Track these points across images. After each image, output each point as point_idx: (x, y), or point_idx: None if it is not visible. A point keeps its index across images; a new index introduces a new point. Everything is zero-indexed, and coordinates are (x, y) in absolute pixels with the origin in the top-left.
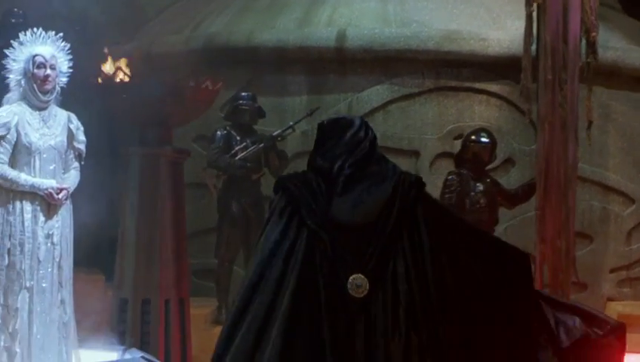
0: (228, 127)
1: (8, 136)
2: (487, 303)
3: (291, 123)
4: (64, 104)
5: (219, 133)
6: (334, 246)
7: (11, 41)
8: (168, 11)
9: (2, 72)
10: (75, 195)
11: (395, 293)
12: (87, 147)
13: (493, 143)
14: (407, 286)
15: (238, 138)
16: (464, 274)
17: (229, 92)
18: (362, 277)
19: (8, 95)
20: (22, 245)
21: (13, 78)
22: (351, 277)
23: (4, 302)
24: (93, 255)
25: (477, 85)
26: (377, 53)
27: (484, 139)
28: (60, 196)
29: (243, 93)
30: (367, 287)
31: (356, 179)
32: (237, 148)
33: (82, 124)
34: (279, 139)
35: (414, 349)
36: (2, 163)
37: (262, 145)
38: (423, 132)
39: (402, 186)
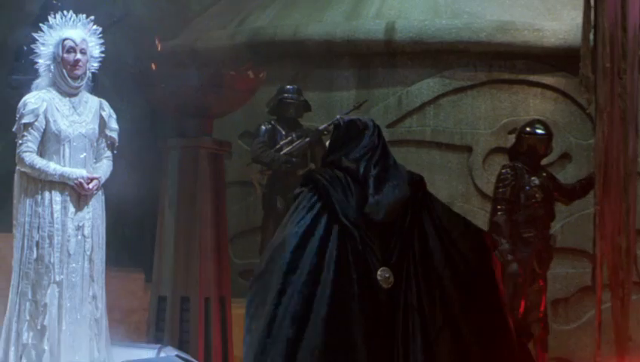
0: (273, 122)
1: (36, 123)
2: (475, 287)
3: (338, 116)
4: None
5: (263, 127)
6: (364, 242)
7: (40, 25)
8: (214, 7)
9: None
10: (117, 190)
11: (409, 284)
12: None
13: (549, 135)
14: (421, 278)
15: (283, 132)
16: (459, 263)
17: (276, 87)
18: (388, 269)
19: (37, 81)
20: (51, 237)
21: (43, 62)
22: (379, 270)
23: (33, 297)
24: (133, 252)
25: (531, 78)
26: (428, 46)
27: (539, 131)
28: (91, 186)
29: (288, 87)
30: (393, 279)
31: (382, 180)
32: (282, 143)
33: (126, 116)
34: (325, 133)
35: (432, 331)
36: (30, 151)
37: (307, 139)
38: (475, 126)
39: (413, 186)
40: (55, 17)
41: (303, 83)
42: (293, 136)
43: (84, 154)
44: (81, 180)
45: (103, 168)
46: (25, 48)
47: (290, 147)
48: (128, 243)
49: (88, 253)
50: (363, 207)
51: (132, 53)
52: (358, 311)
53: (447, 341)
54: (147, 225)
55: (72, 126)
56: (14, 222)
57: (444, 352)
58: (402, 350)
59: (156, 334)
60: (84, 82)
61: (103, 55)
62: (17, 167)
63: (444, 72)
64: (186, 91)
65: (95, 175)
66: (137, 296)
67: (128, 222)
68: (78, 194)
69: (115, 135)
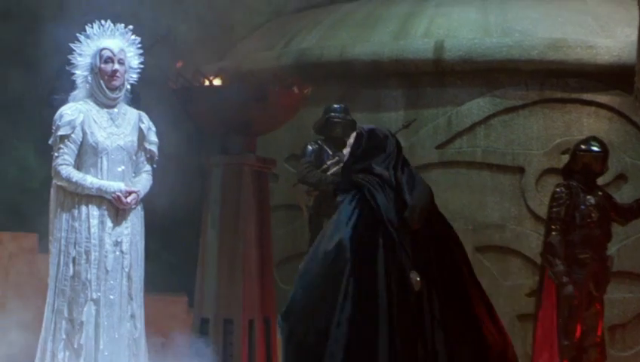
0: (319, 141)
1: (73, 135)
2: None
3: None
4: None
5: (310, 147)
6: (401, 245)
7: (77, 35)
8: (259, 30)
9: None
10: (162, 212)
11: (429, 288)
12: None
13: (605, 152)
14: (440, 282)
15: (330, 152)
16: (465, 270)
17: (322, 109)
18: (416, 273)
19: (74, 92)
20: (87, 253)
21: (80, 73)
22: (411, 273)
23: (69, 315)
24: (177, 277)
25: (585, 96)
26: (478, 64)
27: (595, 148)
28: (129, 200)
29: (335, 106)
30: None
31: (412, 186)
32: (329, 163)
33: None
34: None
35: (454, 338)
36: (67, 164)
37: None
38: (527, 147)
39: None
40: (92, 27)
41: (351, 104)
42: (341, 155)
43: (123, 167)
44: (119, 194)
45: (142, 182)
46: (66, 68)
47: (337, 167)
48: (172, 268)
49: (126, 269)
50: (398, 211)
51: (174, 72)
52: (398, 315)
53: (465, 349)
54: (191, 249)
55: (109, 138)
56: (50, 237)
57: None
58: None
59: (199, 357)
60: (122, 93)
61: (142, 66)
62: (53, 181)
63: (495, 91)
64: (229, 106)
65: (133, 188)
66: (180, 319)
67: (172, 245)
68: (116, 208)
69: (154, 148)
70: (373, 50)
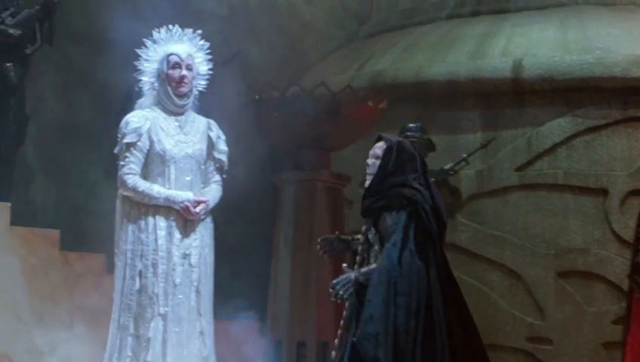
0: None
1: (139, 143)
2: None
3: (464, 155)
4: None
5: None
6: (443, 262)
7: (144, 40)
8: (333, 55)
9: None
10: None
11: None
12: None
13: None
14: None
15: None
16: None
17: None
18: None
19: (141, 100)
20: (155, 266)
21: (147, 80)
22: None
23: (135, 331)
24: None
25: None
26: (558, 83)
27: None
28: (198, 210)
29: (411, 125)
30: None
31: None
32: None
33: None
34: (451, 173)
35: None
36: (133, 173)
37: (432, 179)
38: (611, 168)
39: None
40: (160, 32)
41: (426, 126)
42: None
43: (191, 176)
44: (188, 204)
45: (212, 192)
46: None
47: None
48: (243, 291)
49: (195, 284)
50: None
51: (246, 86)
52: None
53: (466, 351)
54: (262, 270)
55: (177, 146)
56: (115, 250)
57: None
58: None
59: None
60: (190, 100)
61: (210, 72)
62: (119, 191)
63: (576, 111)
64: (301, 119)
65: (202, 198)
66: (251, 344)
67: (243, 267)
68: (185, 219)
69: (224, 157)
70: (450, 71)
